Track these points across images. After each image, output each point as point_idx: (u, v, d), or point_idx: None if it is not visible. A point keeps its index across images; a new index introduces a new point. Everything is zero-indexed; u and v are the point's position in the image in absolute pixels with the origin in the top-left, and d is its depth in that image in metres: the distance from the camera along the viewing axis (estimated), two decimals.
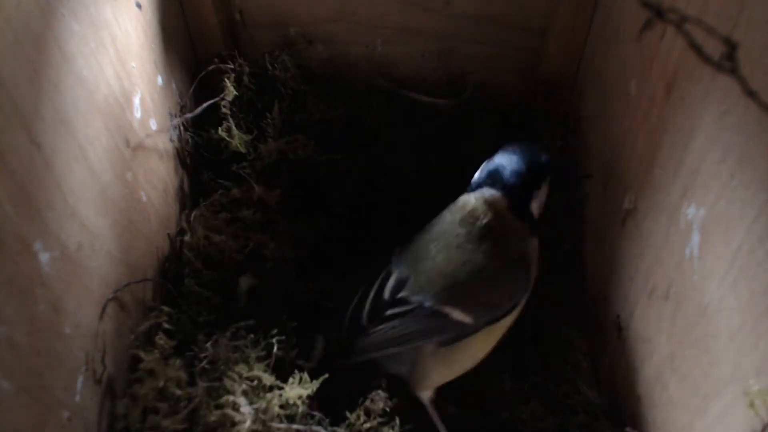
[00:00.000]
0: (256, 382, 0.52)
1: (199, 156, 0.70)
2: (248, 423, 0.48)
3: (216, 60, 0.70)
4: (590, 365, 0.65)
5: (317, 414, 0.52)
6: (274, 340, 0.54)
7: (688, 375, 0.44)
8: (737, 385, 0.38)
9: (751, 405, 0.35)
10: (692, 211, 0.44)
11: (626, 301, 0.57)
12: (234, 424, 0.48)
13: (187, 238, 0.63)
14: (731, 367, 0.39)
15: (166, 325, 0.54)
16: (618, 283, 0.59)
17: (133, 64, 0.57)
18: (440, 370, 0.57)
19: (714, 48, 0.30)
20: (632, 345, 0.55)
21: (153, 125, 0.61)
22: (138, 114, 0.58)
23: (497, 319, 0.55)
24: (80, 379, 0.46)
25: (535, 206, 0.58)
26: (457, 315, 0.54)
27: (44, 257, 0.42)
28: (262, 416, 0.49)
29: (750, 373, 0.37)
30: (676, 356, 0.47)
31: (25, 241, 0.40)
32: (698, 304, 0.43)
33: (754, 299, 0.36)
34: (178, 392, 0.50)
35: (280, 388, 0.52)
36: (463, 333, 0.55)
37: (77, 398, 0.46)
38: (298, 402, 0.51)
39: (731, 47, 0.29)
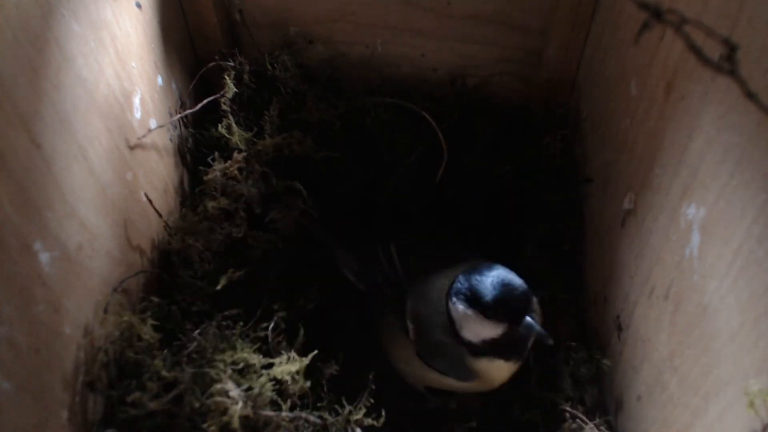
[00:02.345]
0: (242, 365, 0.52)
1: (199, 155, 0.70)
2: (240, 405, 0.48)
3: (216, 57, 0.70)
4: (590, 365, 0.65)
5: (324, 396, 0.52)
6: (268, 332, 0.55)
7: (688, 375, 0.45)
8: (737, 385, 0.38)
9: (751, 405, 0.35)
10: (692, 211, 0.44)
11: (626, 301, 0.57)
12: (226, 410, 0.48)
13: (181, 225, 0.63)
14: (731, 367, 0.39)
15: (152, 320, 0.54)
16: (618, 283, 0.59)
17: (133, 64, 0.57)
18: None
19: (713, 49, 0.30)
20: (632, 345, 0.55)
21: (153, 125, 0.61)
22: (138, 114, 0.58)
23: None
24: (80, 379, 0.46)
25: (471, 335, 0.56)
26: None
27: (44, 257, 0.42)
28: (251, 402, 0.49)
29: (750, 373, 0.37)
30: (676, 356, 0.47)
31: (25, 241, 0.40)
32: (698, 304, 0.43)
33: (754, 299, 0.37)
34: (166, 374, 0.50)
35: (269, 366, 0.52)
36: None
37: (77, 398, 0.46)
38: (288, 377, 0.51)
39: (731, 49, 0.29)
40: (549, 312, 0.68)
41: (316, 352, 0.54)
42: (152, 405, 0.48)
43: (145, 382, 0.49)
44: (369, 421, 0.52)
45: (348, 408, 0.53)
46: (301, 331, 0.55)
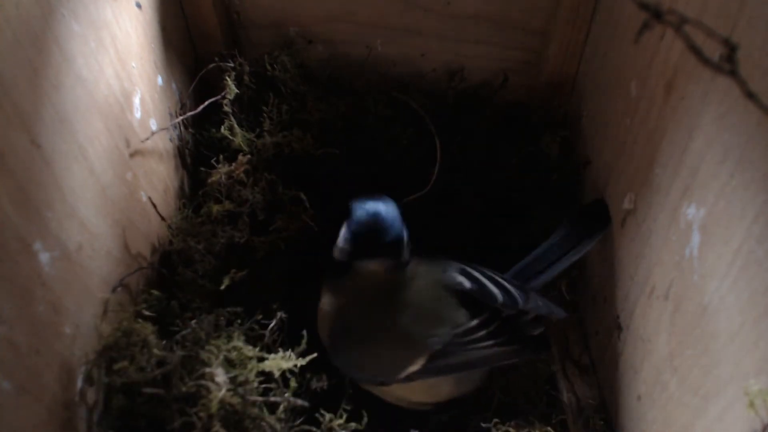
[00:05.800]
0: (235, 354, 0.51)
1: (199, 155, 0.70)
2: (222, 392, 0.48)
3: (216, 59, 0.70)
4: (591, 365, 0.65)
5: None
6: (266, 331, 0.54)
7: (688, 375, 0.45)
8: (737, 385, 0.38)
9: (751, 405, 0.35)
10: (692, 211, 0.44)
11: (626, 301, 0.57)
12: (209, 391, 0.48)
13: (184, 226, 0.63)
14: (731, 367, 0.39)
15: (147, 312, 0.54)
16: (618, 283, 0.59)
17: (133, 64, 0.57)
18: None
19: (713, 49, 0.30)
20: (632, 345, 0.56)
21: (153, 125, 0.61)
22: (138, 114, 0.58)
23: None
24: (80, 379, 0.46)
25: None
26: None
27: (44, 257, 0.42)
28: (240, 390, 0.48)
29: (750, 373, 0.37)
30: (676, 356, 0.47)
31: (25, 241, 0.40)
32: (698, 304, 0.43)
33: (754, 299, 0.37)
34: (157, 352, 0.49)
35: (261, 360, 0.52)
36: None
37: (77, 398, 0.46)
38: (277, 372, 0.51)
39: (731, 49, 0.29)
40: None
41: (315, 355, 0.53)
42: (138, 376, 0.47)
43: (135, 354, 0.48)
44: (352, 426, 0.53)
45: (329, 416, 0.53)
46: (304, 339, 0.54)
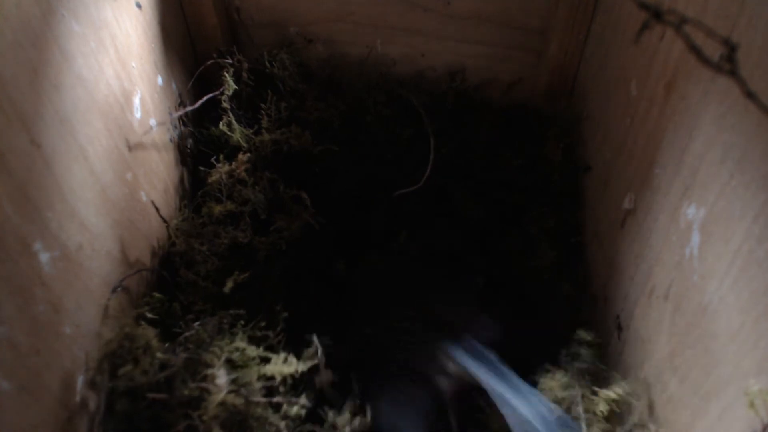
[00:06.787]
0: (238, 355, 0.51)
1: (199, 154, 0.70)
2: (223, 393, 0.48)
3: (215, 55, 0.70)
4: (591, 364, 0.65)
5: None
6: (271, 334, 0.54)
7: (688, 375, 0.44)
8: (737, 385, 0.38)
9: (751, 405, 0.35)
10: (692, 211, 0.44)
11: (626, 301, 0.57)
12: (210, 393, 0.48)
13: (185, 228, 0.62)
14: (731, 367, 0.39)
15: (149, 314, 0.54)
16: (618, 283, 0.59)
17: (133, 64, 0.57)
18: None
19: (713, 49, 0.30)
20: (632, 345, 0.55)
21: (153, 125, 0.61)
22: (138, 114, 0.58)
23: None
24: (80, 379, 0.46)
25: None
26: None
27: (44, 257, 0.42)
28: (243, 390, 0.49)
29: (750, 373, 0.37)
30: (676, 356, 0.47)
31: (25, 241, 0.40)
32: (698, 304, 0.43)
33: (754, 299, 0.37)
34: (160, 355, 0.50)
35: (264, 360, 0.52)
36: None
37: (77, 398, 0.46)
38: (279, 377, 0.51)
39: (730, 48, 0.29)
40: (549, 312, 0.68)
41: (315, 362, 0.53)
42: (142, 379, 0.47)
43: (139, 357, 0.48)
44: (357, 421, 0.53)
45: (331, 413, 0.53)
46: (316, 347, 0.54)
